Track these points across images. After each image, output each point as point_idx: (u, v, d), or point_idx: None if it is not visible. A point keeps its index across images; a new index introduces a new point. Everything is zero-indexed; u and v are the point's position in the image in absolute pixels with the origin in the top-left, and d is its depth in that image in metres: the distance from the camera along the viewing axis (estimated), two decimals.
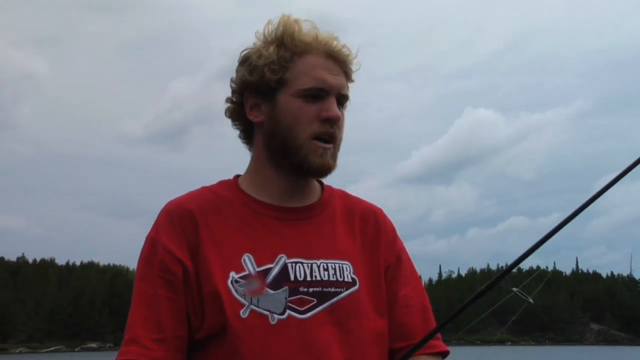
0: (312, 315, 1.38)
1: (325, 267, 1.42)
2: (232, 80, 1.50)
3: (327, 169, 1.45)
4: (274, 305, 1.37)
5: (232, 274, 1.37)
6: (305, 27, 1.45)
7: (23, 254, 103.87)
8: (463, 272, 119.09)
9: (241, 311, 1.35)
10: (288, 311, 1.37)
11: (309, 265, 1.42)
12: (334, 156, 1.46)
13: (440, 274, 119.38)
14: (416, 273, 1.56)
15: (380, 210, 1.57)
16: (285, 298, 1.38)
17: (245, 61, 1.47)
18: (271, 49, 1.43)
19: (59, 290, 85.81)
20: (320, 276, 1.41)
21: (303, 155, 1.42)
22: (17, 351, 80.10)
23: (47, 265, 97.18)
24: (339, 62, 1.45)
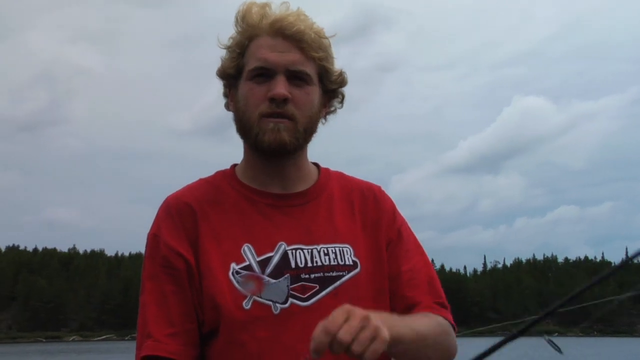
0: (315, 301, 1.37)
1: (326, 251, 1.41)
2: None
3: (281, 144, 1.39)
4: (276, 295, 1.36)
5: (233, 265, 1.37)
6: (267, 9, 1.42)
7: (74, 245, 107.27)
8: (509, 263, 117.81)
9: (244, 302, 1.34)
10: (290, 299, 1.36)
11: (309, 251, 1.40)
12: (292, 132, 1.39)
13: (485, 264, 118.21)
14: (420, 247, 1.54)
15: (379, 188, 1.56)
16: (287, 286, 1.37)
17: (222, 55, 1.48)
18: (234, 39, 1.44)
19: (108, 280, 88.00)
20: (321, 261, 1.40)
21: (254, 135, 1.40)
22: (70, 339, 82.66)
23: (97, 256, 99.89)
24: (289, 38, 1.39)
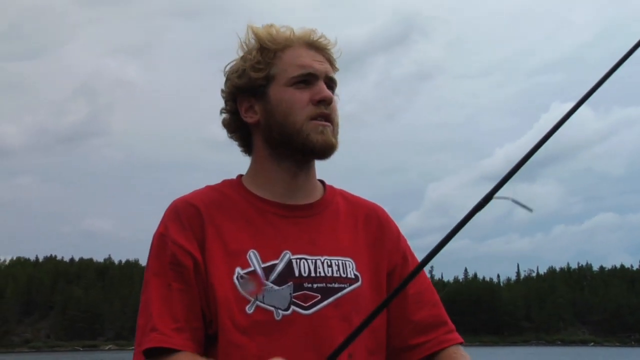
0: (316, 310, 1.41)
1: (329, 263, 1.45)
2: (222, 91, 1.54)
3: (330, 146, 1.47)
4: (278, 301, 1.39)
5: (238, 270, 1.39)
6: (263, 30, 1.51)
7: (110, 255, 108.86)
8: (543, 271, 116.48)
9: (247, 307, 1.37)
10: (292, 307, 1.39)
11: (313, 261, 1.44)
12: (334, 135, 1.48)
13: (518, 272, 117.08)
14: (423, 270, 1.56)
15: (382, 209, 1.61)
16: (290, 294, 1.40)
17: (233, 72, 1.52)
18: (253, 52, 1.49)
19: None
20: (324, 272, 1.44)
21: (305, 136, 1.44)
22: (107, 348, 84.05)
23: (132, 266, 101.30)
24: (321, 50, 1.51)
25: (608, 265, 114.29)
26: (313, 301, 1.41)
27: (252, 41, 1.50)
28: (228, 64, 1.54)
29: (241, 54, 1.52)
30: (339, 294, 1.43)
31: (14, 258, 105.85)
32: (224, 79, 1.54)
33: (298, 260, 1.43)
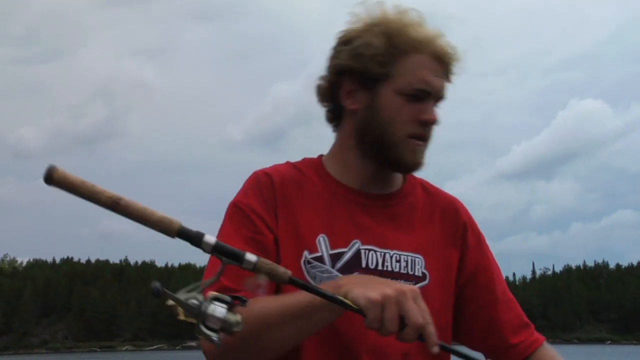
0: None
1: (398, 258, 1.41)
2: (329, 60, 1.46)
3: (418, 167, 1.44)
4: None
5: (306, 254, 1.37)
6: (412, 18, 1.41)
7: (126, 256, 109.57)
8: (559, 269, 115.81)
9: None
10: None
11: (382, 254, 1.40)
12: (424, 154, 1.45)
13: (533, 271, 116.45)
14: (498, 267, 1.59)
15: (461, 204, 1.57)
16: None
17: (346, 43, 1.42)
18: (379, 40, 1.39)
19: None
20: (392, 267, 1.40)
21: (398, 152, 1.40)
22: (124, 349, 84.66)
23: (148, 267, 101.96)
24: (444, 65, 1.42)
25: (625, 263, 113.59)
26: None
27: (382, 25, 1.39)
28: (343, 31, 1.43)
29: (356, 21, 1.42)
30: None
31: (32, 260, 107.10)
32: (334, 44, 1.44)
33: (367, 251, 1.39)
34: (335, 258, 1.37)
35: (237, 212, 1.39)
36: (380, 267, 1.39)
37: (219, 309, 1.02)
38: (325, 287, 1.16)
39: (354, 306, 1.11)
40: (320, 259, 1.37)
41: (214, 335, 1.01)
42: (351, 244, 1.39)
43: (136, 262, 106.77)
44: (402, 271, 1.40)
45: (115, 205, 1.02)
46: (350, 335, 1.33)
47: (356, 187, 1.45)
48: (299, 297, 1.18)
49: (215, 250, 1.05)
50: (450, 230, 1.50)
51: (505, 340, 1.49)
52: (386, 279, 1.27)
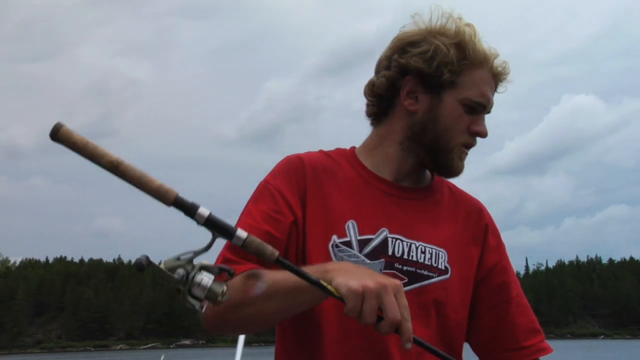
0: None
1: (423, 249, 1.45)
2: (391, 57, 1.49)
3: (461, 173, 1.51)
4: None
5: (334, 238, 1.41)
6: (477, 33, 1.48)
7: (119, 255, 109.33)
8: (551, 265, 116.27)
9: None
10: None
11: (408, 244, 1.45)
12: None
13: (527, 266, 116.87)
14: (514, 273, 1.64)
15: (484, 207, 1.62)
16: (380, 270, 1.41)
17: (414, 45, 1.46)
18: (452, 49, 1.44)
19: (153, 290, 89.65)
20: (417, 257, 1.44)
21: (450, 158, 1.47)
22: (118, 348, 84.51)
23: None
24: (498, 83, 1.51)
25: (618, 258, 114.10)
26: None
27: (452, 36, 1.45)
28: (407, 32, 1.48)
29: (422, 26, 1.47)
30: (425, 282, 1.43)
31: (25, 259, 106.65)
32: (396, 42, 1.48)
33: (394, 240, 1.43)
34: (363, 244, 1.42)
35: (263, 190, 1.45)
36: (405, 256, 1.43)
37: (205, 279, 1.04)
38: (313, 270, 1.17)
39: (336, 294, 1.13)
40: (348, 244, 1.41)
41: (197, 304, 1.04)
42: (379, 231, 1.43)
43: (129, 261, 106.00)
44: (426, 262, 1.45)
45: (114, 169, 1.05)
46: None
47: (389, 179, 1.50)
48: (287, 276, 1.18)
49: (207, 223, 1.08)
50: (473, 230, 1.55)
51: (517, 341, 1.52)
52: (374, 270, 1.28)
